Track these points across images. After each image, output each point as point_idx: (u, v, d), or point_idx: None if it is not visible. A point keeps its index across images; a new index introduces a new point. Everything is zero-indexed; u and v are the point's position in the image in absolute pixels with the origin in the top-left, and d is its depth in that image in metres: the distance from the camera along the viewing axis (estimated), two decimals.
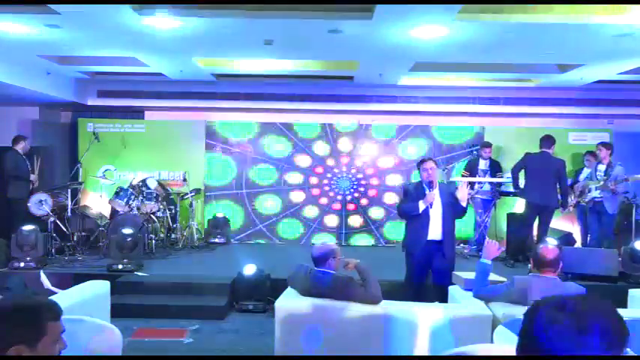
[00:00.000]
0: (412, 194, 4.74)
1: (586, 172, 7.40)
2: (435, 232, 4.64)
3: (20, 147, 7.13)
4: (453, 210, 4.67)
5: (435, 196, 4.61)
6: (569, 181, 7.62)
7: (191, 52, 6.42)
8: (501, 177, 7.64)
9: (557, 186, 6.58)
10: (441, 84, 8.25)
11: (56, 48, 6.13)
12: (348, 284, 3.31)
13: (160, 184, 8.01)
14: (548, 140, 6.73)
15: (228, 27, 5.11)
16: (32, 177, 7.09)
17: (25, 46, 5.99)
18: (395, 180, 8.68)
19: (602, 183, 6.56)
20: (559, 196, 6.58)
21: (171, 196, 8.09)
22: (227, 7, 4.66)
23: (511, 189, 7.32)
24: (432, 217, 4.63)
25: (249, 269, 5.65)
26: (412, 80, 7.96)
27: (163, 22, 4.94)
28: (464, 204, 4.62)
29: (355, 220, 8.72)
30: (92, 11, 4.62)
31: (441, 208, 4.64)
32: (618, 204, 6.80)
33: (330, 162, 8.72)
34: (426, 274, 4.74)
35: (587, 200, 6.77)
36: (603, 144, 6.86)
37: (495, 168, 7.73)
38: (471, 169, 7.69)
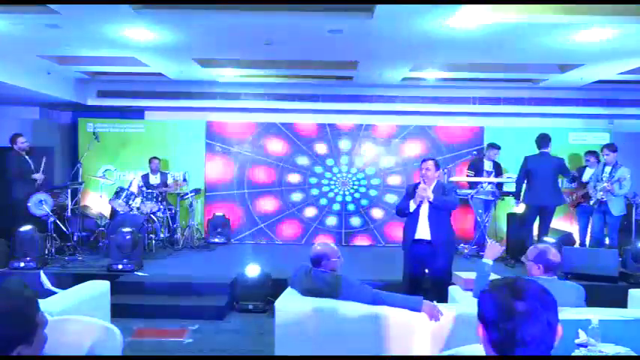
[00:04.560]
0: (409, 193, 4.76)
1: (589, 171, 7.38)
2: (422, 231, 4.63)
3: (18, 146, 7.03)
4: (443, 209, 4.63)
5: (422, 195, 4.56)
6: (576, 184, 7.64)
7: (191, 52, 6.43)
8: (501, 177, 7.65)
9: (560, 184, 6.69)
10: (441, 84, 8.27)
11: (56, 48, 6.14)
12: (347, 284, 3.31)
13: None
14: (544, 140, 6.74)
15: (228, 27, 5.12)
16: (35, 176, 7.01)
17: (25, 46, 5.99)
18: (395, 180, 8.70)
19: (605, 184, 6.56)
20: (561, 195, 6.72)
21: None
22: (227, 7, 4.67)
23: (512, 189, 7.33)
24: (421, 216, 4.63)
25: (252, 270, 5.62)
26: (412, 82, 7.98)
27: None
28: (430, 199, 4.52)
29: (355, 221, 8.73)
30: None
31: (427, 208, 4.63)
32: (624, 206, 6.78)
33: (330, 162, 8.73)
34: (421, 273, 4.74)
35: (592, 202, 6.76)
36: (607, 146, 6.84)
37: (498, 170, 7.75)
38: (477, 169, 7.70)
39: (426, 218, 4.61)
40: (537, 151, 6.80)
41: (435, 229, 4.60)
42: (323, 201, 8.73)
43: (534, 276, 3.13)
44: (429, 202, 4.58)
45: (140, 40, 5.67)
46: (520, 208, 7.03)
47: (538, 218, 6.79)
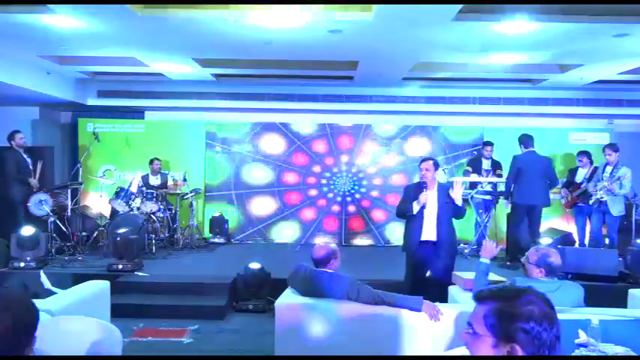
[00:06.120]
0: (410, 195, 4.74)
1: (581, 172, 7.39)
2: (429, 232, 4.63)
3: (16, 142, 6.98)
4: (451, 210, 4.65)
5: (427, 197, 4.58)
6: (563, 181, 7.64)
7: (191, 52, 6.43)
8: (500, 175, 7.65)
9: (548, 184, 6.65)
10: (441, 84, 8.27)
11: (56, 48, 6.13)
12: (347, 284, 3.31)
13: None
14: (530, 139, 6.73)
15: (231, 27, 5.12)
16: (32, 181, 7.00)
17: (25, 46, 5.99)
18: (395, 180, 8.69)
19: (605, 183, 6.56)
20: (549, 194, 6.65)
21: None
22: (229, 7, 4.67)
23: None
24: (426, 217, 4.63)
25: (255, 265, 5.67)
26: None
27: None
28: (459, 203, 4.59)
29: (356, 222, 8.72)
30: None
31: (436, 209, 4.63)
32: (624, 206, 6.78)
33: (330, 162, 8.73)
34: (424, 274, 4.74)
35: (592, 201, 6.75)
36: (609, 146, 6.83)
37: (496, 167, 7.76)
38: (475, 167, 7.71)
39: (434, 219, 4.62)
40: (525, 150, 6.78)
41: (442, 231, 4.62)
42: (322, 202, 8.72)
43: (535, 279, 3.13)
44: (450, 204, 4.59)
45: (140, 41, 5.67)
46: (510, 209, 7.02)
47: (527, 218, 6.74)
